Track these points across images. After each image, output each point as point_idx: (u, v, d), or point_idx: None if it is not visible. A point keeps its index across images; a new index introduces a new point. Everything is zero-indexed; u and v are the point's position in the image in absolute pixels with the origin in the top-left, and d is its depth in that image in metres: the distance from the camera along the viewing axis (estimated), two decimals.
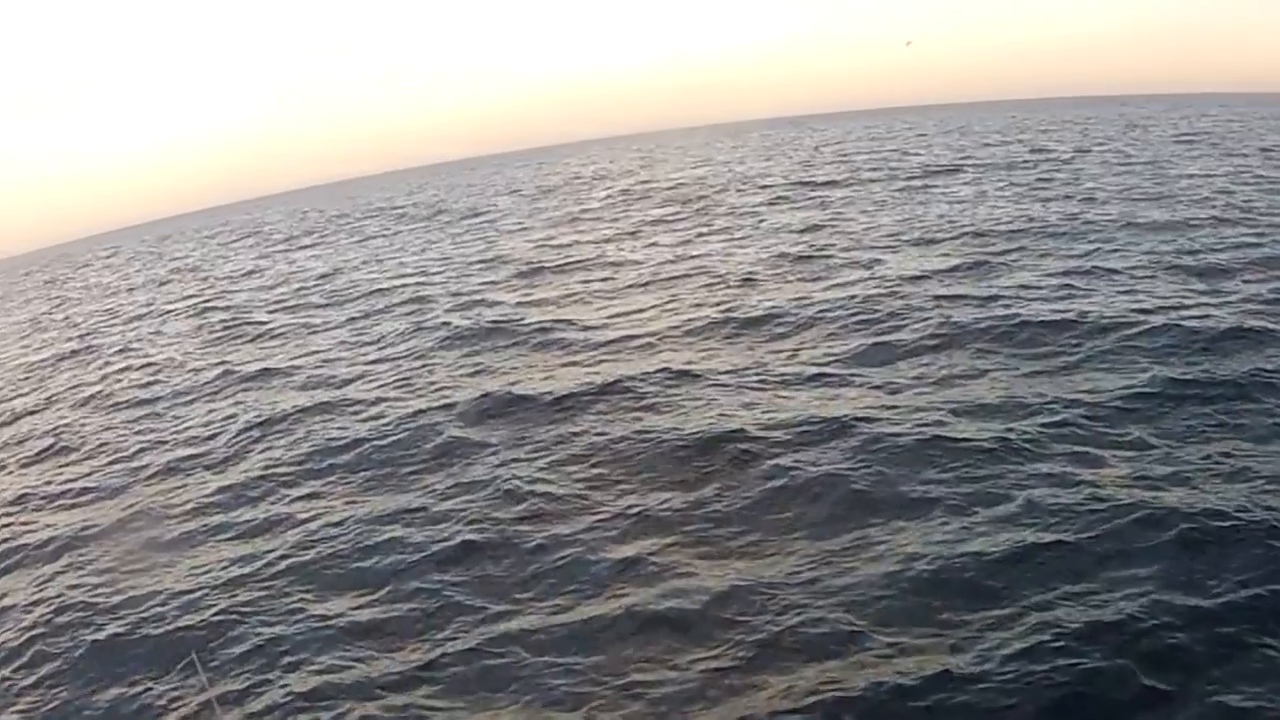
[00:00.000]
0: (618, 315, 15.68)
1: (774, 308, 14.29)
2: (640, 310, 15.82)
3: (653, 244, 23.33)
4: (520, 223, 33.72)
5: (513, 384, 12.30)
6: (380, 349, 16.00)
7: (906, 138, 59.00)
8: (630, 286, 17.97)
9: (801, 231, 22.12)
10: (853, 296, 14.46)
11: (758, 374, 11.43)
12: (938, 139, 54.07)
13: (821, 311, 13.83)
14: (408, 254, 29.61)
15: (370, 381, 13.85)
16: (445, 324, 16.67)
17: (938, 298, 13.82)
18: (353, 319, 19.26)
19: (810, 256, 18.40)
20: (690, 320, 14.42)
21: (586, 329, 14.90)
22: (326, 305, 21.71)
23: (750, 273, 17.49)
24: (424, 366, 14.22)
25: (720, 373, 11.63)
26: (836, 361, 11.56)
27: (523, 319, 16.05)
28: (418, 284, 22.31)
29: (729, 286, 16.64)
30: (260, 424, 12.63)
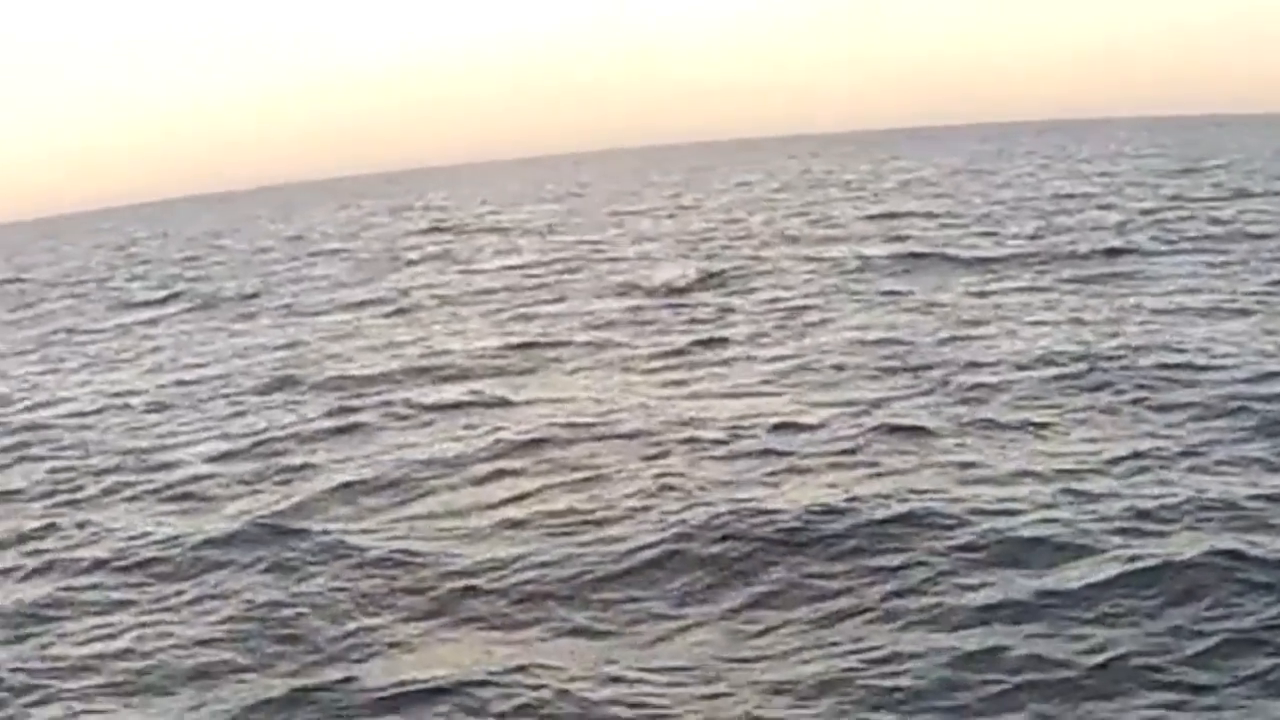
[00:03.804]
0: (520, 509, 15.72)
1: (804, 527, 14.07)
2: (557, 504, 15.76)
3: (598, 369, 23.73)
4: (349, 320, 34.22)
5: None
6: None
7: (1082, 172, 61.24)
8: (551, 453, 18.02)
9: (880, 345, 22.73)
10: (993, 503, 14.32)
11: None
12: (1135, 178, 56.12)
13: (916, 534, 13.60)
14: (116, 367, 30.22)
15: None
16: (163, 526, 16.53)
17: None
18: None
19: (909, 426, 17.98)
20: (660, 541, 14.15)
21: (460, 540, 14.93)
22: None
23: (773, 446, 17.35)
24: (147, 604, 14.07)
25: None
26: None
27: (340, 529, 15.80)
28: (137, 423, 22.75)
29: (732, 463, 16.71)
30: None
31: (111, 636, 12.97)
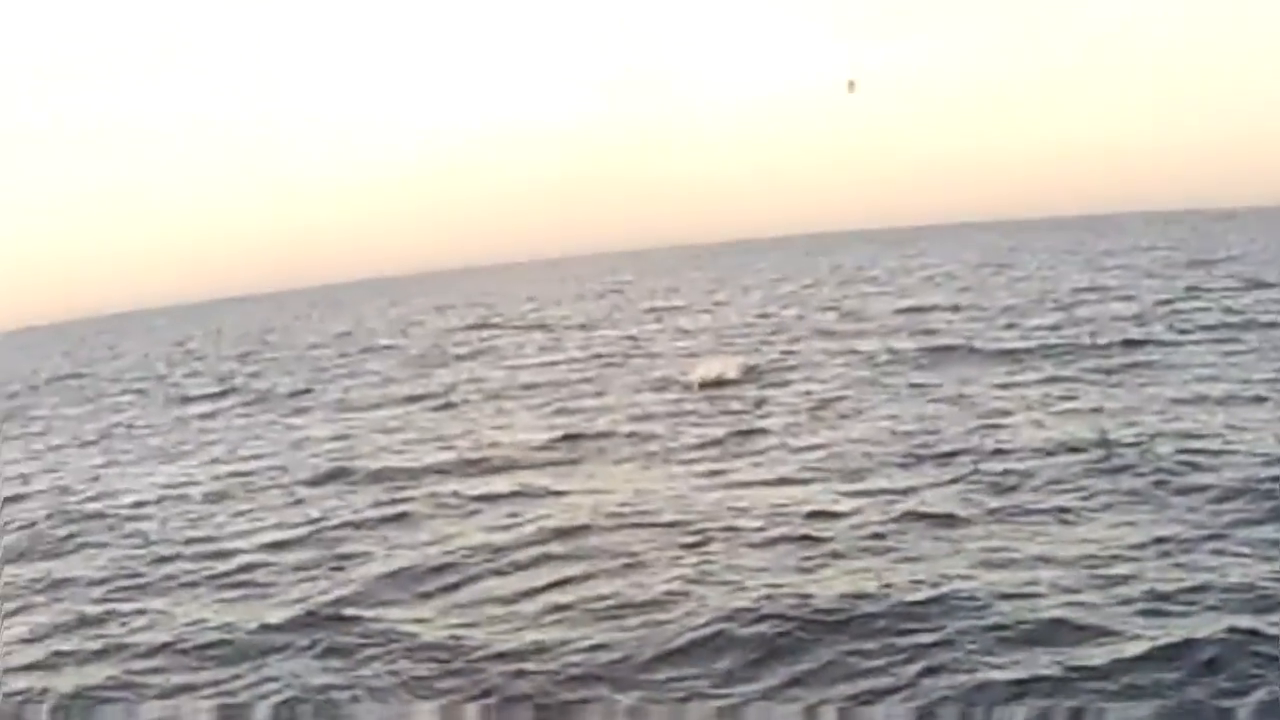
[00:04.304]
0: (566, 594, 15.70)
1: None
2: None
3: (640, 460, 23.88)
4: (399, 414, 34.48)
5: None
6: None
7: (1099, 265, 61.27)
8: (595, 541, 18.06)
9: (910, 435, 22.91)
10: None
11: None
12: (1151, 270, 56.32)
13: None
14: (174, 459, 30.42)
15: None
16: (221, 613, 16.59)
17: None
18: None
19: (938, 513, 17.80)
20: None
21: (507, 625, 14.97)
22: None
23: (808, 533, 17.36)
24: None
25: None
26: None
27: (392, 615, 15.89)
28: (195, 513, 22.92)
29: (770, 550, 16.75)
30: None
31: None
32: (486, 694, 12.90)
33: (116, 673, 14.64)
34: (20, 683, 14.57)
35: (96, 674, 14.67)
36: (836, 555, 16.15)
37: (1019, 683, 11.46)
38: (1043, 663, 11.89)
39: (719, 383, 31.97)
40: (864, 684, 12.08)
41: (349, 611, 15.84)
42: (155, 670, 14.67)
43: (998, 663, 12.07)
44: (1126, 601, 13.35)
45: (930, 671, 12.03)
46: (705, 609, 14.34)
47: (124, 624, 16.55)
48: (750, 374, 33.31)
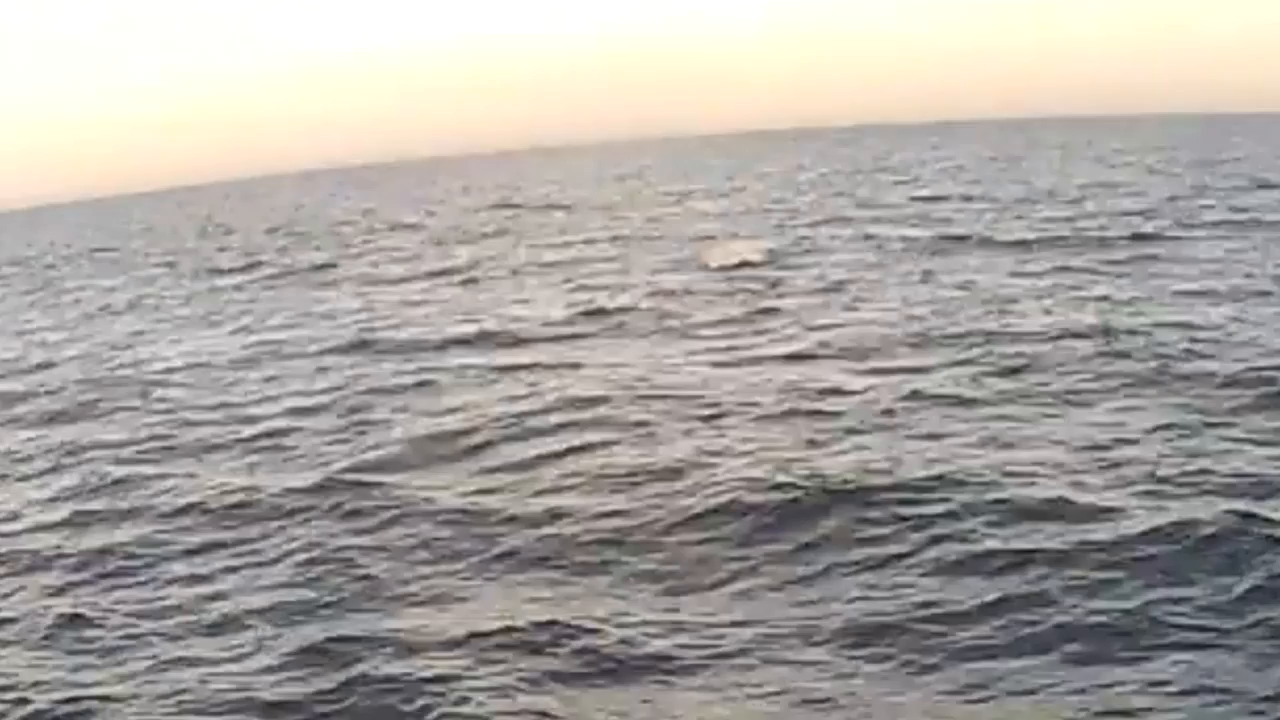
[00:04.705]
0: (584, 463, 15.78)
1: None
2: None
3: (658, 335, 23.97)
4: (423, 288, 34.77)
5: None
6: None
7: (1108, 162, 60.97)
8: (613, 412, 18.06)
9: (921, 319, 22.93)
10: None
11: None
12: (1159, 168, 56.08)
13: None
14: (203, 328, 30.76)
15: None
16: (247, 476, 16.72)
17: None
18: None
19: (947, 394, 17.78)
20: None
21: (527, 491, 15.01)
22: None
23: (821, 409, 17.43)
24: None
25: None
26: None
27: (414, 480, 15.92)
28: (223, 379, 23.11)
29: (783, 423, 16.86)
30: None
31: (200, 579, 13.09)
32: (505, 557, 12.96)
33: (144, 532, 14.71)
34: (48, 540, 14.70)
35: (123, 534, 14.72)
36: (848, 431, 16.19)
37: (1022, 553, 11.50)
38: (1045, 534, 11.92)
39: (739, 265, 31.90)
40: (872, 550, 12.15)
41: (370, 476, 15.89)
42: (181, 530, 14.71)
43: (1002, 534, 12.08)
44: (1128, 483, 13.34)
45: (936, 540, 12.10)
46: (719, 479, 14.36)
47: (153, 486, 16.62)
48: (768, 256, 33.27)
